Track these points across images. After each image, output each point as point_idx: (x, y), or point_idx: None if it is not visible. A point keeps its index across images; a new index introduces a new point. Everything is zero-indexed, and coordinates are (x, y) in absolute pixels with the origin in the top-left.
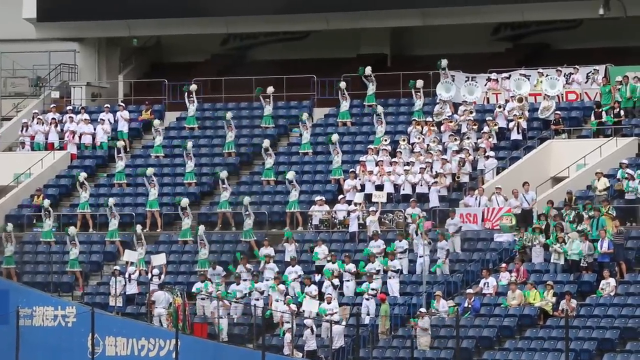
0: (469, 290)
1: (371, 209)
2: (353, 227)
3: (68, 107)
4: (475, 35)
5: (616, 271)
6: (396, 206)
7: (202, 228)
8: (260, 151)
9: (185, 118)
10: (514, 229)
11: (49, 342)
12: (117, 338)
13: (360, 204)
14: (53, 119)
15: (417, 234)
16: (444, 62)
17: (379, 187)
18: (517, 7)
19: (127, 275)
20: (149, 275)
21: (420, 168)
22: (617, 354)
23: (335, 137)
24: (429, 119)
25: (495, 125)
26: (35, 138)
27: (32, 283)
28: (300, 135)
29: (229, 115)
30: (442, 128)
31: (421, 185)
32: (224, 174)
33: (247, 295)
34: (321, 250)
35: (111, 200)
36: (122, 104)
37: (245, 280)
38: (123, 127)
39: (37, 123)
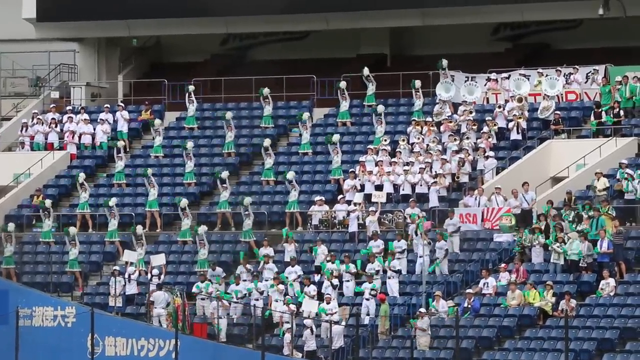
0: (469, 291)
1: (371, 209)
2: (352, 227)
3: (68, 107)
4: (475, 35)
5: (616, 271)
6: (396, 206)
7: (203, 228)
8: (259, 151)
9: (184, 118)
10: (514, 229)
11: (49, 343)
12: (117, 338)
13: (359, 204)
14: (53, 119)
15: (416, 234)
16: (444, 62)
17: (379, 187)
18: (516, 7)
19: (126, 276)
20: (149, 276)
21: (420, 168)
22: (616, 354)
23: (336, 137)
24: (429, 119)
25: (495, 125)
26: (35, 138)
27: (32, 283)
28: (300, 135)
29: (229, 115)
30: (442, 128)
31: (421, 186)
32: (225, 173)
33: (247, 295)
34: (321, 251)
35: (113, 200)
36: (121, 104)
37: (245, 280)
38: (123, 127)
39: (37, 123)
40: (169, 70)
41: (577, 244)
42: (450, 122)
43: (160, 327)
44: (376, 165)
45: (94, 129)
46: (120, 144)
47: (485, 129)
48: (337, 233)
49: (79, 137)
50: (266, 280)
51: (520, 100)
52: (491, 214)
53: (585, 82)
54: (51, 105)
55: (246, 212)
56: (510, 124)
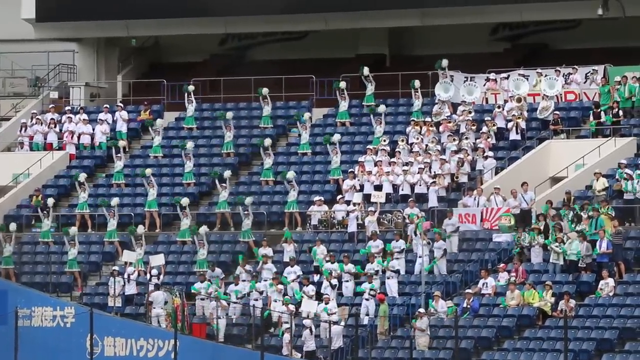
0: (468, 291)
1: (370, 209)
2: (352, 228)
3: (67, 108)
4: (474, 35)
5: (615, 271)
6: (395, 206)
7: (204, 229)
8: (259, 151)
9: (184, 118)
10: (513, 229)
11: (48, 343)
12: (116, 338)
13: (359, 204)
14: (52, 119)
15: (415, 234)
16: (445, 62)
17: (378, 187)
18: (515, 7)
19: (126, 276)
20: (148, 276)
21: (419, 168)
22: (615, 354)
23: (335, 138)
24: (428, 119)
25: (494, 125)
26: (34, 138)
27: (31, 283)
28: (299, 135)
29: (229, 115)
30: (441, 128)
31: (420, 186)
32: (227, 173)
33: (247, 295)
34: (320, 251)
35: (115, 200)
36: (120, 104)
37: (244, 280)
38: (122, 127)
39: (36, 123)
40: (168, 71)
41: (577, 244)
42: (450, 122)
43: (159, 328)
44: (375, 165)
45: (93, 129)
46: (121, 143)
47: (485, 129)
48: (336, 233)
49: (78, 137)
50: (265, 280)
51: (519, 100)
52: (490, 214)
53: (585, 82)
54: (50, 106)
55: (245, 212)
56: (510, 124)
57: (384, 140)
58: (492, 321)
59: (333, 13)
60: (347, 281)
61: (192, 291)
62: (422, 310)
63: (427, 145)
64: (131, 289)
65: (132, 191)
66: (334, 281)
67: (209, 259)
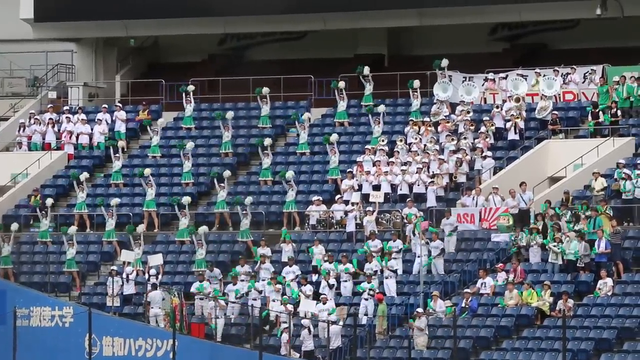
0: (466, 290)
1: (368, 209)
2: (350, 227)
3: (65, 107)
4: (473, 35)
5: (613, 271)
6: (393, 206)
7: (203, 229)
8: (257, 151)
9: (182, 118)
10: (511, 229)
11: (46, 343)
12: (115, 338)
13: (357, 204)
14: (50, 119)
15: (414, 234)
16: (444, 62)
17: (376, 187)
18: (514, 7)
19: (124, 276)
20: (146, 276)
21: (418, 168)
22: (614, 354)
23: (334, 137)
24: (426, 119)
25: (493, 125)
26: (33, 138)
27: (29, 283)
28: (298, 135)
29: (229, 114)
30: (439, 128)
31: (418, 185)
32: (227, 173)
33: (245, 295)
34: (318, 251)
35: (115, 200)
36: (119, 104)
37: (242, 280)
38: (120, 127)
39: (34, 123)
40: (167, 71)
41: (575, 244)
42: (448, 122)
43: (157, 327)
44: (374, 165)
45: (92, 129)
46: (120, 143)
47: (483, 129)
48: (334, 233)
49: (77, 137)
50: (263, 280)
51: (517, 100)
52: (489, 213)
53: (583, 82)
54: (49, 106)
55: (244, 212)
56: (508, 124)
57: (383, 140)
58: (490, 321)
59: (332, 13)
60: (346, 281)
61: (196, 291)
62: (420, 310)
63: (425, 145)
64: (130, 289)
65: (131, 191)
66: (332, 281)
67: (208, 259)
